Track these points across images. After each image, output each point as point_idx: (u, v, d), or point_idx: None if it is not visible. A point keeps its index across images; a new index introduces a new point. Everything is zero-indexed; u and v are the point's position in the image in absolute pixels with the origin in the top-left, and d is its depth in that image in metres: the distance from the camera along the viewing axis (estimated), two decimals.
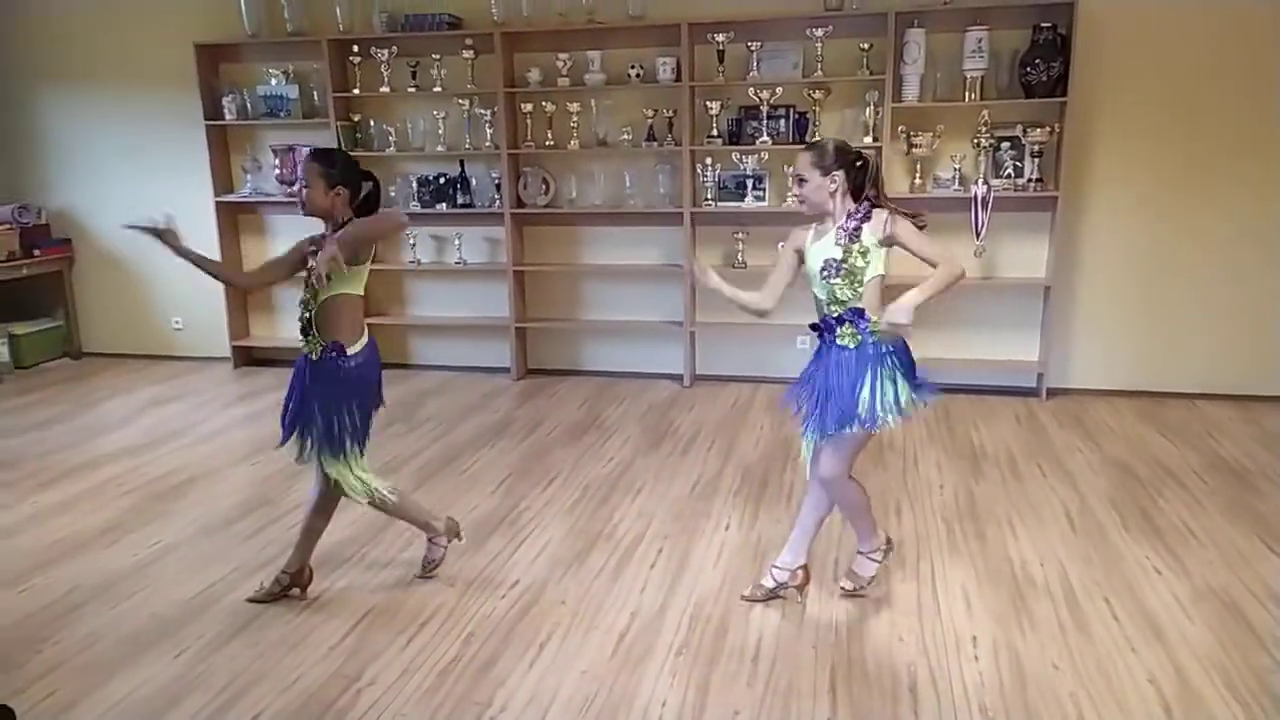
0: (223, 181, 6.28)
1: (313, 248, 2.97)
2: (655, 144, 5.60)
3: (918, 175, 5.32)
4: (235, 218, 6.43)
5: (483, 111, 5.77)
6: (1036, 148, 5.10)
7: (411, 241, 6.07)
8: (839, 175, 2.83)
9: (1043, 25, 4.94)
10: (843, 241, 2.83)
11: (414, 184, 5.98)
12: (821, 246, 2.88)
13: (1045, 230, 5.25)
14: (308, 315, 3.01)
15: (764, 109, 5.35)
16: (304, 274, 2.96)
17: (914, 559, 3.39)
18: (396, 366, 6.36)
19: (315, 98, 6.07)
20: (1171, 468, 4.19)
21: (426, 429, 5.03)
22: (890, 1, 5.09)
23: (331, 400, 3.00)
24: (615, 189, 5.81)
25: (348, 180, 2.97)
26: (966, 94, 5.12)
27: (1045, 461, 4.33)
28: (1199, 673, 2.62)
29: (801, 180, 2.87)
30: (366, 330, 3.11)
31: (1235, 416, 4.88)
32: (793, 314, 5.67)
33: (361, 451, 3.08)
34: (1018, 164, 5.19)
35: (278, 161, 6.12)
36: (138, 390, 5.94)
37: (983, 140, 5.14)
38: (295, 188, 3.02)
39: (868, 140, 5.28)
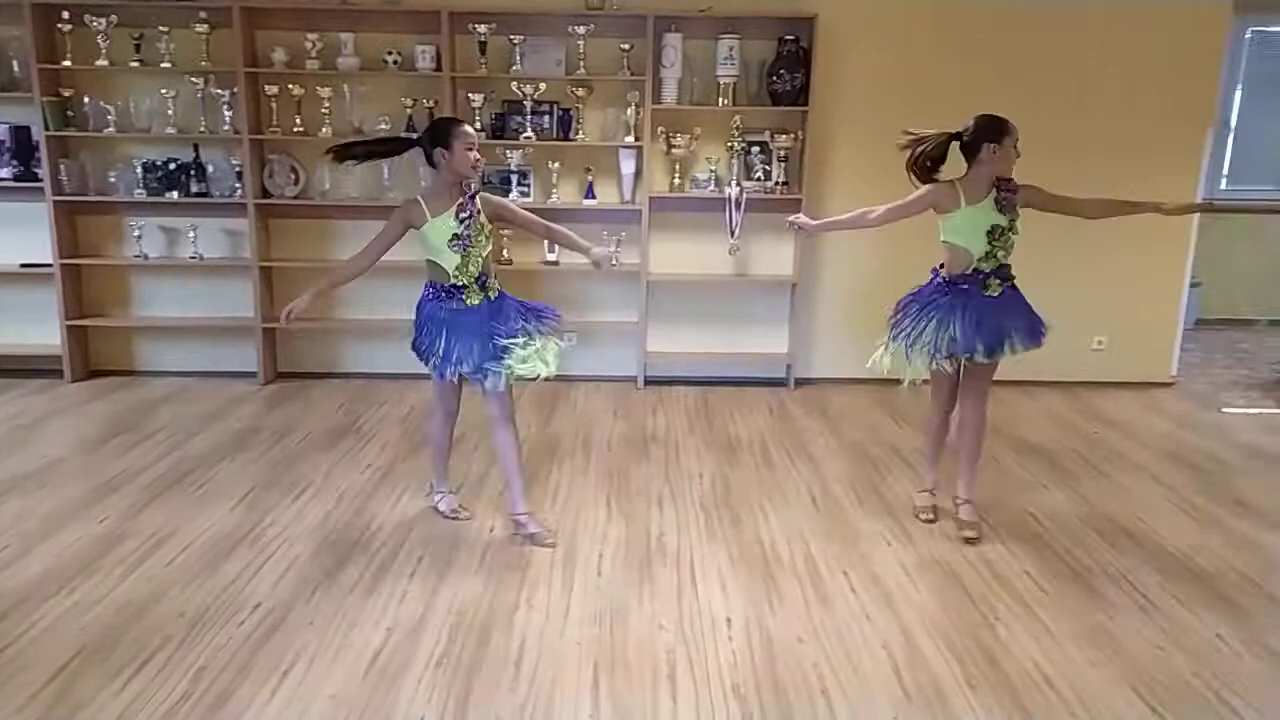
0: None
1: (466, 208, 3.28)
2: (414, 135, 5.37)
3: (677, 175, 5.49)
4: None
5: (220, 92, 5.28)
6: (783, 153, 5.43)
7: (136, 233, 5.45)
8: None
9: (786, 38, 5.26)
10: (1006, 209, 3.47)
11: (139, 169, 5.37)
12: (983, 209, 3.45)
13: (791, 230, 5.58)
14: (481, 270, 3.34)
15: (528, 104, 5.30)
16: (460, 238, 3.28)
17: (675, 548, 3.47)
18: (120, 374, 5.70)
19: (16, 68, 5.30)
20: (900, 448, 4.60)
21: (156, 441, 4.53)
22: (649, 5, 5.21)
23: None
24: (373, 181, 5.53)
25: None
26: (720, 99, 5.35)
27: (792, 447, 4.61)
28: (924, 635, 2.87)
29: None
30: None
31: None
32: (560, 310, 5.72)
33: None
34: (767, 167, 5.49)
35: None
36: None
37: (735, 144, 5.39)
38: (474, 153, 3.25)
39: (629, 139, 5.38)
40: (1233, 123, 7.26)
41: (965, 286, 3.50)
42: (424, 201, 3.30)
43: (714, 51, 5.29)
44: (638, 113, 5.37)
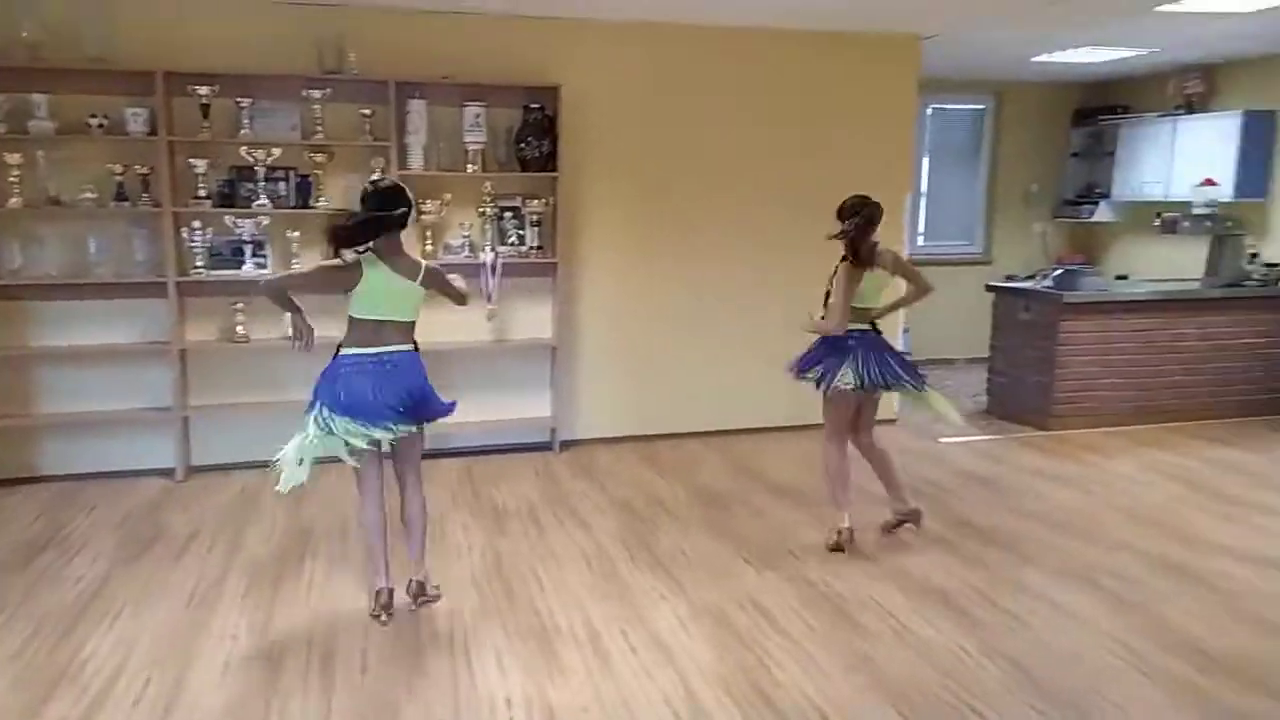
0: None
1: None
2: (128, 204, 4.86)
3: (429, 242, 5.36)
4: None
5: None
6: (535, 217, 5.47)
7: None
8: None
9: (532, 106, 5.34)
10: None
11: None
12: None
13: (549, 294, 5.63)
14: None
15: (260, 170, 4.97)
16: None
17: (446, 631, 3.28)
18: None
19: None
20: (665, 501, 4.69)
21: None
22: (390, 71, 5.09)
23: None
24: (76, 256, 4.91)
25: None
26: (469, 165, 5.31)
27: (562, 510, 4.56)
28: (704, 686, 2.89)
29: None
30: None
31: (710, 449, 5.66)
32: (305, 389, 5.34)
33: None
34: (520, 232, 5.50)
35: None
36: None
37: (487, 209, 5.37)
38: None
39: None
40: (924, 188, 8.29)
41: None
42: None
43: (460, 118, 5.26)
44: (383, 178, 5.19)
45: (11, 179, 4.66)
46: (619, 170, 5.68)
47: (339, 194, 5.26)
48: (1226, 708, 2.72)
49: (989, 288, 6.74)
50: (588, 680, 2.93)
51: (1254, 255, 6.50)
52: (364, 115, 5.12)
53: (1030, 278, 6.70)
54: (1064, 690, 2.84)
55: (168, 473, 5.06)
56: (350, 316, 3.38)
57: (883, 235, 6.10)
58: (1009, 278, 7.07)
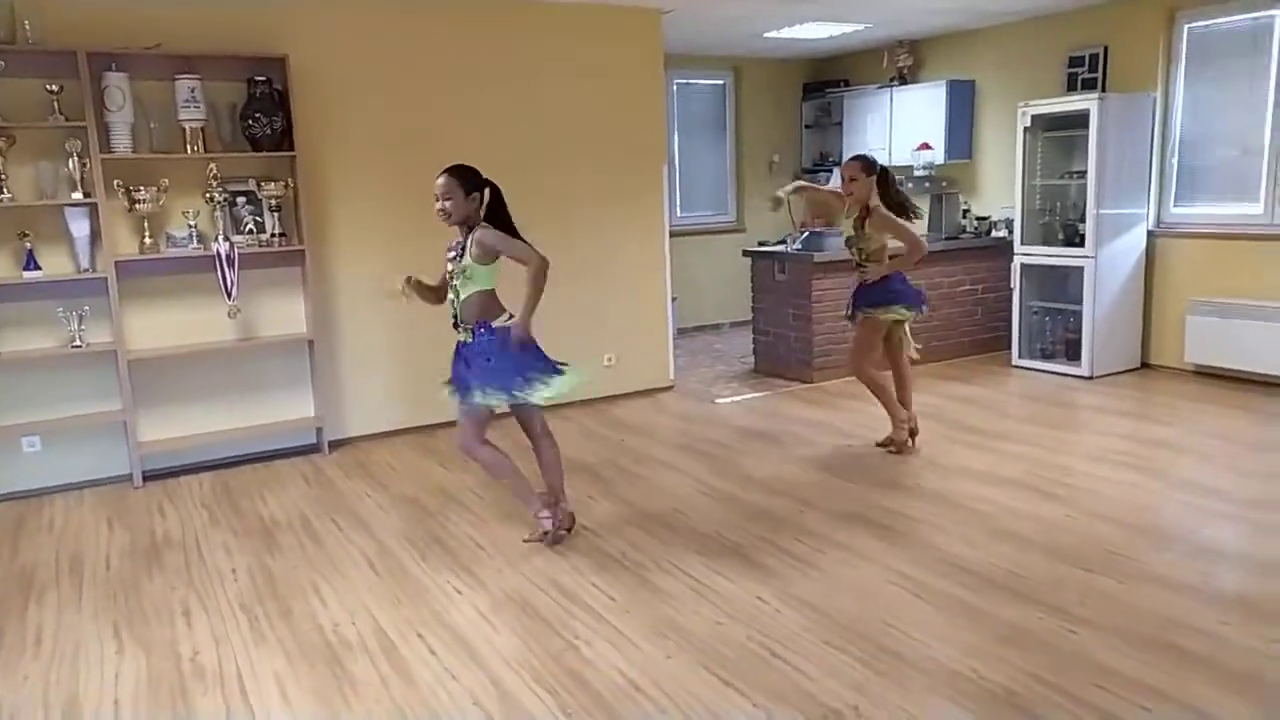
0: None
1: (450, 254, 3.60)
2: None
3: (147, 234, 4.72)
4: None
5: None
6: (274, 202, 4.98)
7: None
8: None
9: (258, 79, 4.83)
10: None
11: None
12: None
13: (299, 284, 5.17)
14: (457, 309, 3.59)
15: None
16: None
17: (216, 665, 2.91)
18: None
19: None
20: (452, 491, 4.47)
21: None
22: (80, 40, 4.41)
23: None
24: None
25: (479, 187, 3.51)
26: (188, 146, 4.74)
27: (339, 515, 4.21)
28: (513, 678, 2.75)
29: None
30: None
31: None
32: (10, 412, 4.57)
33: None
34: (258, 219, 5.00)
35: None
36: None
37: (215, 195, 4.81)
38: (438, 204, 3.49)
39: (77, 196, 4.50)
40: (676, 158, 8.52)
41: None
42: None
43: (173, 93, 4.67)
44: (84, 164, 4.51)
45: None
46: (367, 147, 5.31)
47: (27, 184, 4.51)
48: (1001, 620, 2.98)
49: (745, 253, 7.03)
50: (386, 694, 2.70)
51: (966, 211, 7.27)
52: (50, 92, 4.42)
53: (781, 242, 7.07)
54: (857, 624, 2.98)
55: None
56: (494, 289, 3.65)
57: (643, 207, 6.27)
58: (761, 244, 7.44)
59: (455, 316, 3.63)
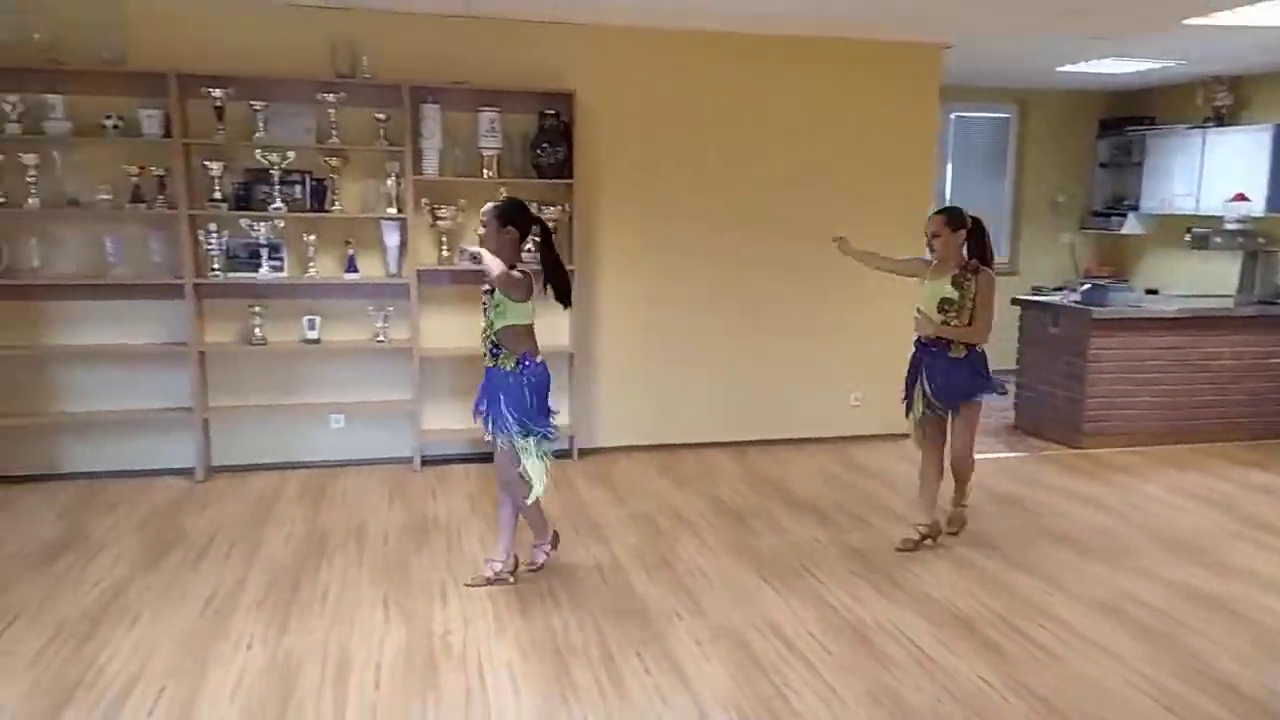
0: None
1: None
2: (143, 206, 4.85)
3: (445, 247, 5.32)
4: None
5: None
6: (552, 224, 5.41)
7: None
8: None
9: (547, 112, 5.29)
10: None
11: None
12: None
13: None
14: (488, 338, 3.65)
15: (276, 173, 4.94)
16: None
17: (460, 646, 3.23)
18: None
19: None
20: (685, 515, 4.62)
21: None
22: (404, 75, 5.06)
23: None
24: (94, 256, 4.91)
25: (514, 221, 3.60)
26: (484, 170, 5.27)
27: (580, 521, 4.50)
28: (719, 714, 2.82)
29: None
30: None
31: (732, 462, 5.60)
32: (322, 392, 5.33)
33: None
34: (535, 239, 5.44)
35: None
36: None
37: None
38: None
39: (392, 210, 5.16)
40: (948, 194, 8.18)
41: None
42: None
43: (475, 124, 5.22)
44: (399, 184, 5.17)
45: (29, 179, 4.66)
46: (636, 177, 5.62)
47: (354, 198, 5.23)
48: None
49: (1015, 301, 6.62)
50: (600, 702, 2.87)
51: None
52: (379, 120, 5.09)
53: (1058, 290, 6.58)
54: None
55: (188, 473, 5.06)
56: (531, 324, 3.70)
57: (904, 242, 6.09)
58: (1036, 289, 6.95)
59: (487, 345, 3.69)
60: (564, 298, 3.77)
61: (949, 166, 8.13)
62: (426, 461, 5.41)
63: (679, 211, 5.72)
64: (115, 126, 4.73)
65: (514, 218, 3.62)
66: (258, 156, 4.90)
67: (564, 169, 5.32)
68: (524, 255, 3.74)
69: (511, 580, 3.74)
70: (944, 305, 4.00)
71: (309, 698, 2.88)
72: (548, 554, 3.85)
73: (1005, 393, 4.43)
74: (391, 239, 5.24)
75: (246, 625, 3.36)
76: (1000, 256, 8.38)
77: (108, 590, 3.63)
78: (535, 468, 3.57)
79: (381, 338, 5.27)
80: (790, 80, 5.74)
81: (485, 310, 3.65)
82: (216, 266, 4.99)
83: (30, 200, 4.68)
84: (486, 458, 5.46)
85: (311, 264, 5.12)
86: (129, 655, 3.12)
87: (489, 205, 3.71)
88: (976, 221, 4.06)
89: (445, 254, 5.32)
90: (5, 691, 2.87)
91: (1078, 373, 5.94)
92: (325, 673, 3.04)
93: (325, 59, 5.00)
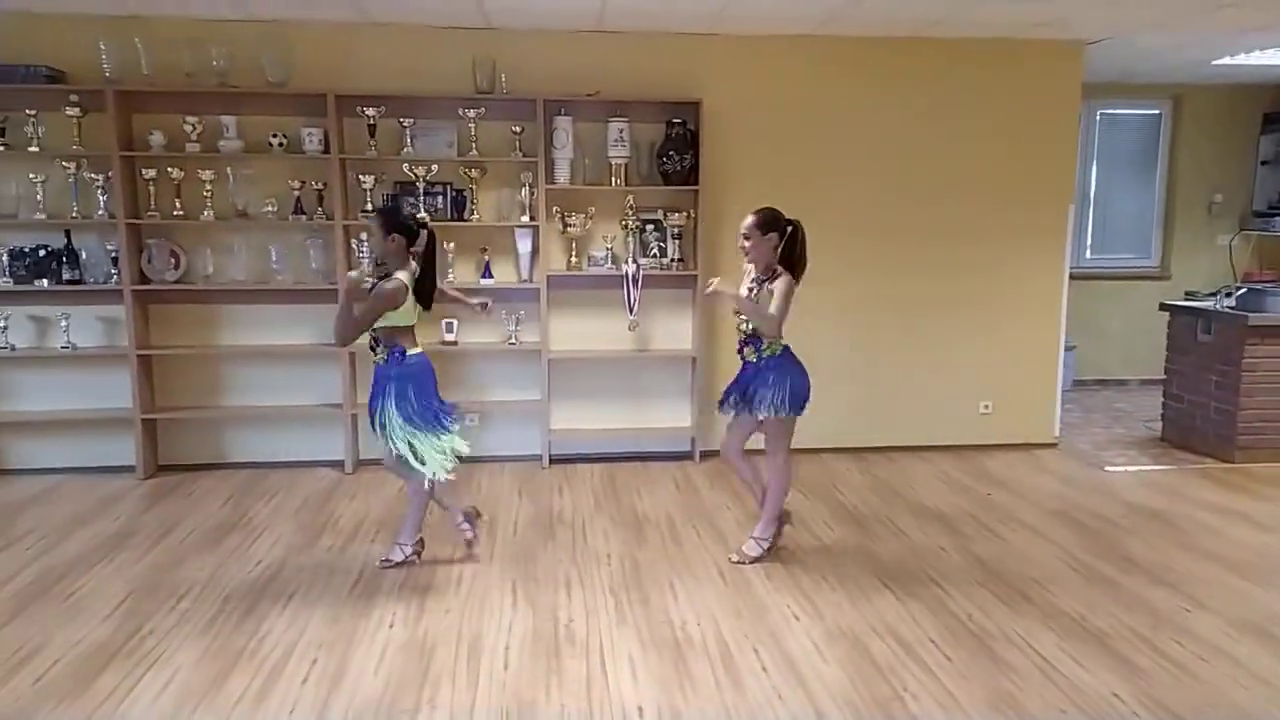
0: None
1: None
2: (304, 217, 5.28)
3: (574, 254, 5.53)
4: None
5: (94, 176, 5.08)
6: (677, 230, 5.54)
7: (2, 323, 5.12)
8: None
9: (674, 121, 5.42)
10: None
11: (4, 257, 5.08)
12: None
13: (689, 305, 5.68)
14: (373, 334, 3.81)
15: (420, 185, 5.28)
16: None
17: (584, 635, 3.38)
18: None
19: None
20: (805, 518, 4.64)
21: (22, 547, 4.19)
22: (539, 89, 5.29)
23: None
24: (259, 264, 5.37)
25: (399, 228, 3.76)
26: (613, 179, 5.45)
27: (700, 522, 4.59)
28: (836, 713, 2.85)
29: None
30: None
31: (853, 467, 5.56)
32: (458, 391, 5.63)
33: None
34: (662, 245, 5.59)
35: None
36: None
37: (630, 222, 5.48)
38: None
39: (525, 219, 5.41)
40: (1092, 194, 7.82)
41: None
42: None
43: (605, 134, 5.40)
44: (532, 193, 5.41)
45: (205, 193, 5.14)
46: (761, 183, 5.64)
47: (490, 207, 5.51)
48: None
49: (1163, 306, 6.27)
50: (717, 696, 2.95)
51: None
52: (514, 132, 5.34)
53: (1212, 295, 6.20)
54: None
55: (338, 465, 5.46)
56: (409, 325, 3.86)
57: (1041, 245, 5.88)
58: (1189, 294, 6.56)
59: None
60: (425, 302, 3.87)
61: (1094, 166, 7.78)
62: (554, 460, 5.62)
63: (804, 217, 5.66)
64: (280, 144, 5.17)
65: (399, 225, 3.77)
66: (405, 169, 5.24)
67: (690, 176, 5.44)
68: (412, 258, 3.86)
69: (416, 561, 4.01)
70: (737, 311, 3.94)
71: (445, 673, 3.09)
72: (467, 535, 4.01)
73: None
74: (524, 246, 5.48)
75: (388, 605, 3.62)
76: (1149, 260, 8.00)
77: (268, 569, 3.97)
78: (430, 456, 3.71)
79: (513, 340, 5.53)
80: (921, 81, 5.67)
81: None
82: (367, 273, 5.35)
83: (205, 213, 5.17)
84: (611, 457, 5.67)
85: (450, 270, 5.42)
86: (285, 628, 3.42)
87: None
88: (795, 226, 3.90)
89: (574, 260, 5.53)
90: (182, 656, 3.20)
91: (1231, 382, 5.58)
92: (459, 651, 3.24)
93: (467, 77, 5.30)
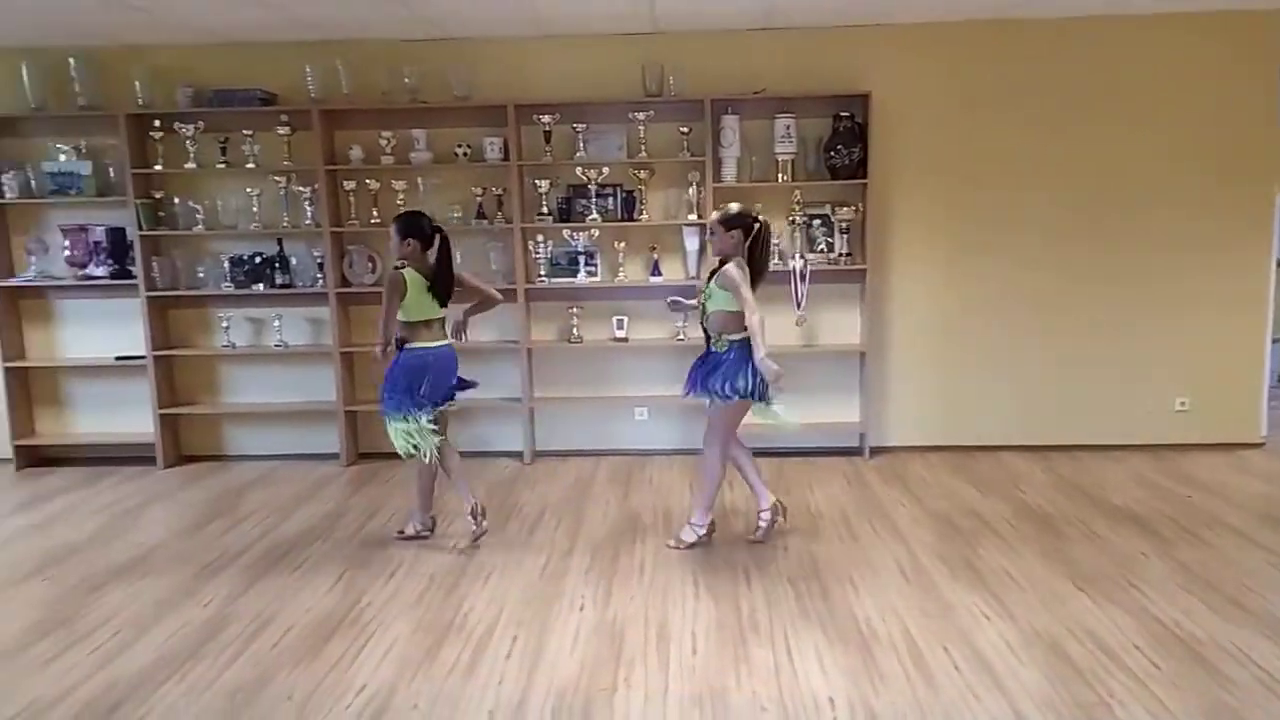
0: (2, 265, 5.68)
1: None
2: (485, 221, 5.59)
3: None
4: (17, 303, 5.81)
5: (301, 189, 5.56)
6: (844, 225, 5.50)
7: (224, 324, 5.70)
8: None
9: (842, 115, 5.38)
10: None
11: (226, 264, 5.65)
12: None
13: (857, 300, 5.64)
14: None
15: (592, 187, 5.48)
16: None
17: (767, 624, 3.44)
18: (210, 459, 5.91)
19: (111, 174, 5.64)
20: (986, 517, 4.52)
21: (250, 524, 4.66)
22: (706, 90, 5.38)
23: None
24: None
25: (413, 233, 4.10)
26: (779, 175, 5.47)
27: (875, 518, 4.56)
28: (1035, 715, 2.79)
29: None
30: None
31: (1035, 466, 5.37)
32: (628, 386, 5.81)
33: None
34: (829, 240, 5.57)
35: (68, 242, 5.60)
36: None
37: (797, 218, 5.49)
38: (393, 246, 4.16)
39: (692, 217, 5.52)
40: None
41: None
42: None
43: (771, 130, 5.43)
44: (699, 191, 5.51)
45: (398, 202, 5.52)
46: (931, 175, 5.55)
47: (658, 207, 5.64)
48: None
49: None
50: (910, 691, 2.94)
51: None
52: (682, 133, 5.45)
53: None
54: None
55: (517, 455, 5.76)
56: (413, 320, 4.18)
57: (1244, 233, 5.47)
58: None
59: None
60: (442, 299, 4.18)
61: None
62: None
63: (978, 208, 5.57)
64: (464, 154, 5.50)
65: (412, 231, 4.09)
66: (578, 173, 5.46)
67: (857, 170, 5.39)
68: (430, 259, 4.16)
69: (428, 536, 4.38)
70: (703, 304, 4.08)
71: (637, 656, 3.22)
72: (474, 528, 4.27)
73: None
74: (691, 244, 5.59)
75: (578, 589, 3.80)
76: None
77: (464, 550, 4.25)
78: (395, 436, 4.13)
79: (681, 336, 5.64)
80: (1097, 63, 5.40)
81: None
82: (542, 273, 5.62)
83: None
84: (779, 452, 5.70)
85: (621, 269, 5.60)
86: (485, 606, 3.65)
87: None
88: (760, 225, 4.01)
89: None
90: (397, 627, 3.49)
91: None
92: (648, 635, 3.38)
93: (636, 81, 5.46)
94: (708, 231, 4.07)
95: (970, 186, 5.55)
